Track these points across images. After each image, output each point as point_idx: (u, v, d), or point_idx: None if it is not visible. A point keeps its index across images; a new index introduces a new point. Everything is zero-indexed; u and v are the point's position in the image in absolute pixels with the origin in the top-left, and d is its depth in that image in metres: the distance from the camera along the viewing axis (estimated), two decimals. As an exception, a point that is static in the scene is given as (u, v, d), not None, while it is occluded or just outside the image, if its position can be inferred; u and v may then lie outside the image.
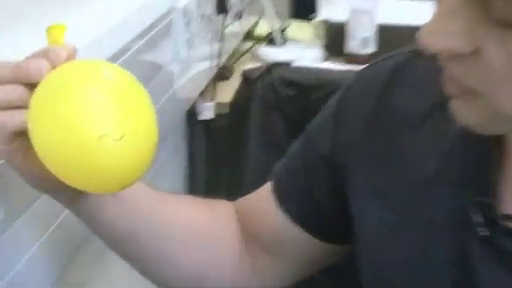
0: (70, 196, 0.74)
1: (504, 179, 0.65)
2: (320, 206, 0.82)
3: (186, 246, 0.83)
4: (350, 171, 0.77)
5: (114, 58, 1.06)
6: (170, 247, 0.83)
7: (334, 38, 1.85)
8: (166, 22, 1.35)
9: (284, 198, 0.84)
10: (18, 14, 0.88)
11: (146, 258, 0.83)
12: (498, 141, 0.66)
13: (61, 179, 0.63)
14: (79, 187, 0.64)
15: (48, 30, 0.67)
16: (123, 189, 0.63)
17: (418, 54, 0.72)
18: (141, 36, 1.21)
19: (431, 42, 0.54)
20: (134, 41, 1.17)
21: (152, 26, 1.27)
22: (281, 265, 0.87)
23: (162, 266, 0.83)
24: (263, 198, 0.86)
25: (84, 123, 0.60)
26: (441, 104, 0.66)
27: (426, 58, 0.59)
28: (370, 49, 1.81)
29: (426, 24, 0.54)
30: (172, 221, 0.84)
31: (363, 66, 0.81)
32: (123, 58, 1.12)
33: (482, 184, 0.65)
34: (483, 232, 0.64)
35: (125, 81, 0.64)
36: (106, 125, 0.60)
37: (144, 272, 0.85)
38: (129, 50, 1.15)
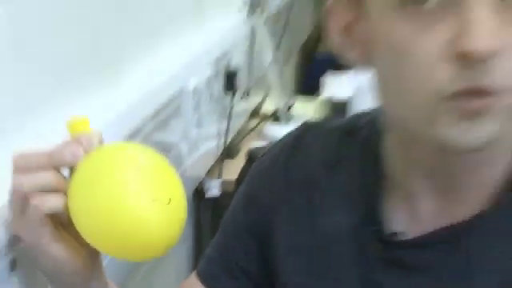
0: (85, 277, 0.75)
1: (391, 205, 0.76)
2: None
3: None
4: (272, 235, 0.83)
5: (127, 140, 1.09)
6: None
7: (339, 116, 1.81)
8: (176, 103, 1.38)
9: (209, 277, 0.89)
10: (36, 99, 0.91)
11: None
12: (383, 176, 0.77)
13: (107, 252, 0.70)
14: (128, 256, 0.70)
15: (71, 122, 0.71)
16: (166, 252, 0.70)
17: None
18: (152, 117, 1.24)
19: (492, 43, 0.58)
20: (145, 123, 1.21)
21: (162, 108, 1.30)
22: None
23: None
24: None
25: (138, 189, 0.67)
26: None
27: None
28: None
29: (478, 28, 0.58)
30: None
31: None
32: (137, 139, 1.15)
33: (376, 215, 0.76)
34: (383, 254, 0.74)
35: (156, 156, 0.72)
36: (156, 190, 0.68)
37: None
38: (140, 131, 1.19)
